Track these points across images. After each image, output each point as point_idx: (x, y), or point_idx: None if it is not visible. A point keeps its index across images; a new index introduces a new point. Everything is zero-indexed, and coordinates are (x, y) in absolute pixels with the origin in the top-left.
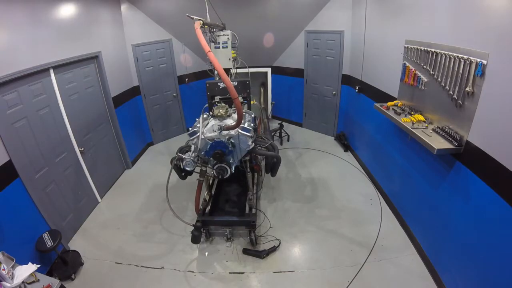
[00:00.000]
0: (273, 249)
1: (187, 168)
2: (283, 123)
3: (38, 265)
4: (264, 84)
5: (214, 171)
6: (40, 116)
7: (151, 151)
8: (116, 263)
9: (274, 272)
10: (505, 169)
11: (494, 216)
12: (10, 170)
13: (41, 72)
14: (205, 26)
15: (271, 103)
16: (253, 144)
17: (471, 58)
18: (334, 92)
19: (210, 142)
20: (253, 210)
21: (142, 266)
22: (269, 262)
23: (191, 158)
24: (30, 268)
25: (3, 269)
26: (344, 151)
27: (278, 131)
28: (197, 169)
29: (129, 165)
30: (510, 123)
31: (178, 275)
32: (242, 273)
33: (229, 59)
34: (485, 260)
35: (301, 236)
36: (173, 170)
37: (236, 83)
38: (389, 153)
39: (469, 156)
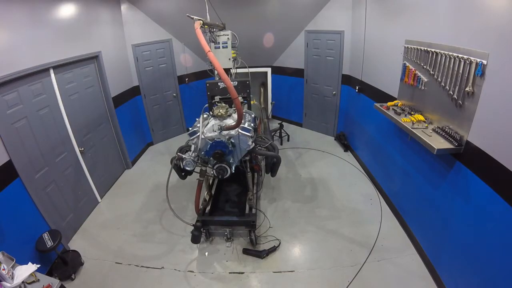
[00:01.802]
0: (273, 249)
1: (187, 168)
2: (283, 123)
3: (38, 265)
4: (264, 84)
5: (214, 171)
6: (40, 116)
7: (151, 151)
8: (116, 263)
9: (274, 272)
10: (505, 169)
11: (494, 216)
12: (10, 170)
13: (41, 72)
14: (205, 26)
15: (271, 103)
16: (253, 144)
17: (471, 58)
18: (334, 92)
19: (210, 142)
20: (253, 210)
21: (142, 266)
22: (269, 262)
23: (191, 158)
24: (30, 268)
25: (3, 269)
26: (344, 151)
27: (278, 131)
28: (197, 169)
29: (129, 165)
30: (510, 123)
31: (178, 275)
32: (242, 273)
33: (229, 59)
34: (485, 260)
35: (301, 236)
36: (173, 170)
37: (236, 83)
38: (389, 153)
39: (469, 156)
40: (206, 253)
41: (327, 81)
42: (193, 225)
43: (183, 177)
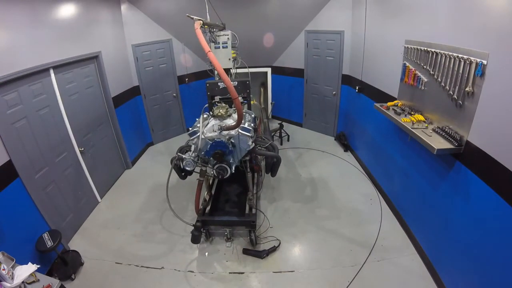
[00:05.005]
0: (273, 249)
1: (187, 168)
2: (283, 123)
3: (38, 265)
4: (264, 84)
5: (214, 171)
6: (40, 116)
7: (151, 151)
8: (116, 263)
9: (274, 272)
10: (506, 169)
11: (494, 216)
12: (10, 170)
13: (41, 72)
14: (205, 26)
15: (271, 103)
16: (253, 144)
17: (471, 58)
18: (334, 92)
19: (210, 142)
20: (253, 210)
21: (142, 266)
22: (269, 262)
23: (191, 158)
24: (30, 268)
25: (3, 269)
26: (344, 151)
27: (278, 131)
28: (197, 169)
29: (129, 165)
30: (510, 123)
31: (178, 275)
32: (242, 273)
33: (229, 59)
34: (485, 260)
35: (301, 236)
36: (173, 170)
37: (236, 83)
38: (389, 153)
39: (469, 156)
40: (206, 253)
41: (327, 81)
42: (193, 225)
43: (183, 177)
